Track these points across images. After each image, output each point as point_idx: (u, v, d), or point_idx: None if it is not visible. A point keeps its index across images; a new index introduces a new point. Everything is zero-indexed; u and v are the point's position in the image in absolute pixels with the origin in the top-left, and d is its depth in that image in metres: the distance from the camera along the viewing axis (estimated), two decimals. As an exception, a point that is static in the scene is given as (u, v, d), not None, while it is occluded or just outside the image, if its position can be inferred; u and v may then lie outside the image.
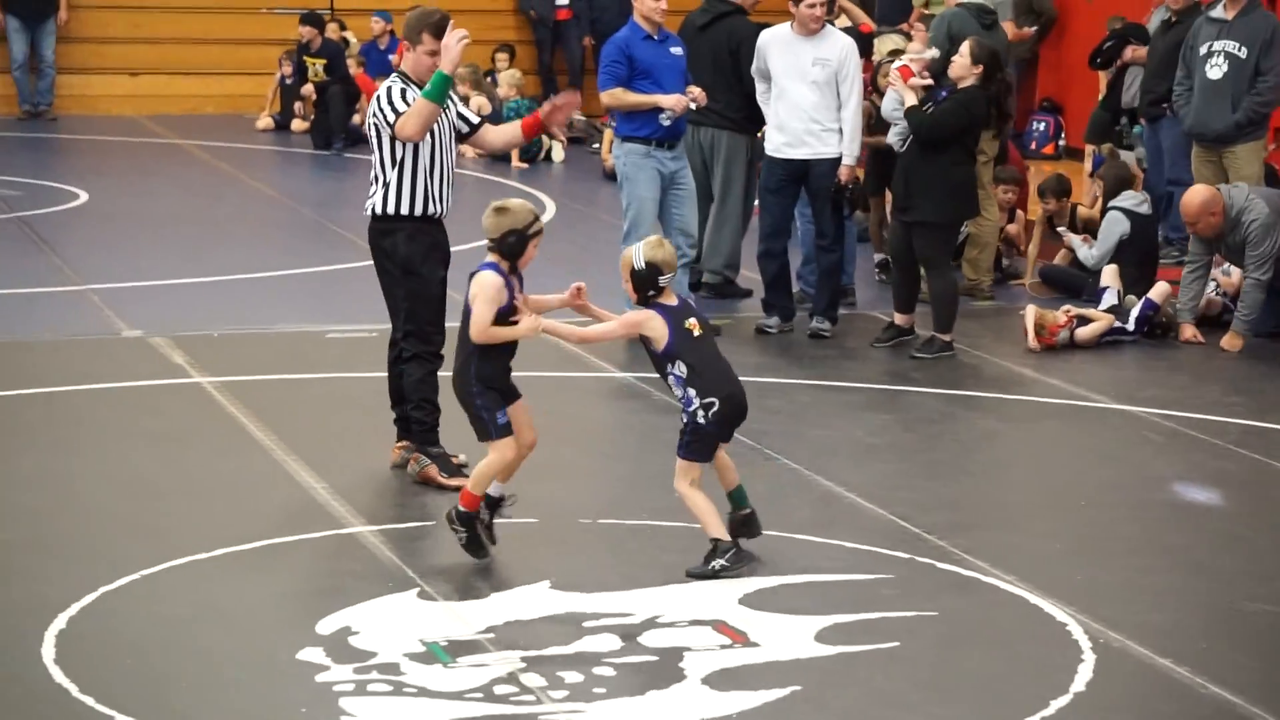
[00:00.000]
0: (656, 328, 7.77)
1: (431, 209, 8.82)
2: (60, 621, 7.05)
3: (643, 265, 7.72)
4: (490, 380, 7.73)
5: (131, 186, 17.66)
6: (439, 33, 8.67)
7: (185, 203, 16.82)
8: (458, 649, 6.94)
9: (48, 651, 6.79)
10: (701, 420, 7.78)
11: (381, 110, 8.73)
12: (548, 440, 8.09)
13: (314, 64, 20.83)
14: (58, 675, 6.60)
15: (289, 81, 21.44)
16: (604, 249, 14.43)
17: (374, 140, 8.84)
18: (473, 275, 7.75)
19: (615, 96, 11.80)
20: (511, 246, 7.72)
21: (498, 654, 6.89)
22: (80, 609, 7.19)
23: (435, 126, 8.71)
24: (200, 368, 10.84)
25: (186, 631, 7.07)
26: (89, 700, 6.41)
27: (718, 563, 7.71)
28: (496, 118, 19.99)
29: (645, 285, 7.76)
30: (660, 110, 11.70)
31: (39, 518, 8.36)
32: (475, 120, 9.11)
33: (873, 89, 13.27)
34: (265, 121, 21.58)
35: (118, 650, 6.86)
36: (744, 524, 7.98)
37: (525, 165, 19.38)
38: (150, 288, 13.11)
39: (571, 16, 22.56)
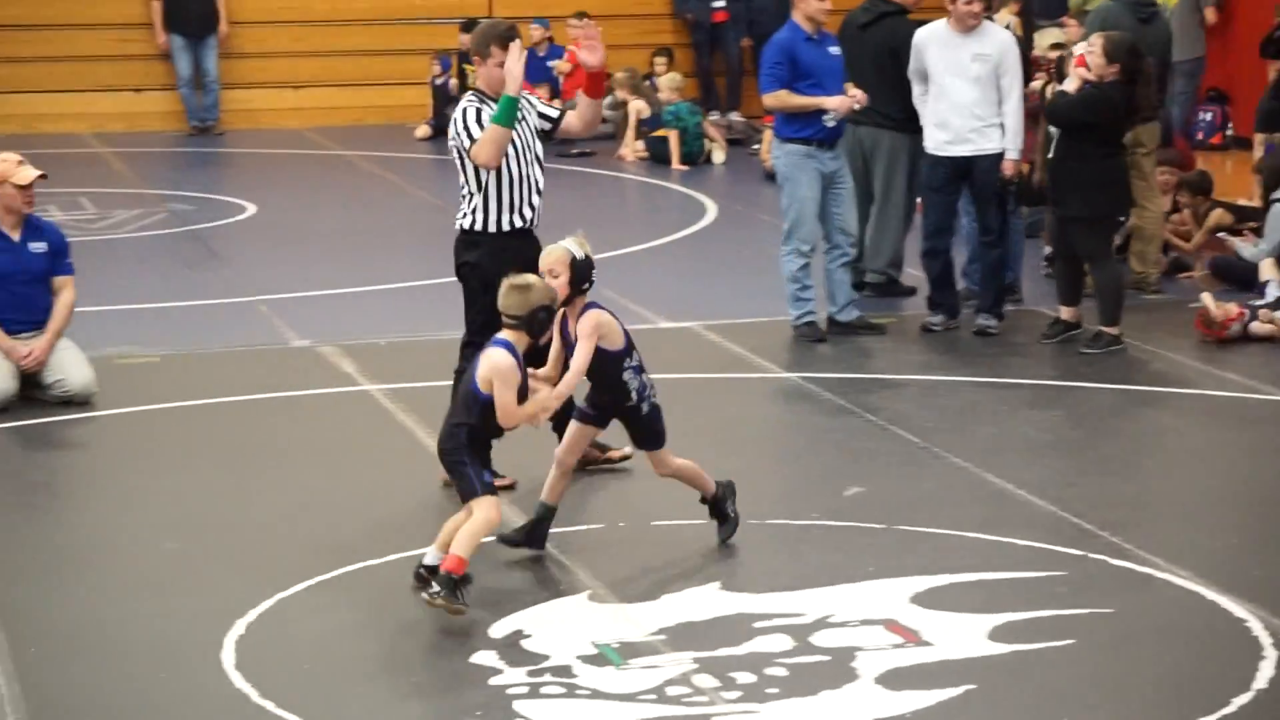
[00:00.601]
0: (612, 324, 7.78)
1: (516, 222, 8.79)
2: (239, 628, 7.16)
3: (584, 255, 7.64)
4: (479, 448, 7.48)
5: (298, 198, 17.89)
6: (507, 45, 8.62)
7: (350, 213, 17.01)
8: (630, 651, 6.96)
9: (227, 657, 6.89)
10: (658, 401, 7.95)
11: (459, 134, 8.75)
12: (715, 442, 8.11)
13: (473, 71, 20.96)
14: (237, 681, 6.70)
15: (439, 82, 21.61)
16: (766, 249, 14.41)
17: (457, 160, 8.87)
18: (482, 352, 7.54)
19: (780, 99, 11.78)
20: (542, 323, 7.51)
21: (670, 655, 6.90)
22: (258, 615, 7.29)
23: (515, 138, 8.70)
24: (369, 375, 10.95)
25: (361, 637, 7.15)
26: (268, 705, 6.50)
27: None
28: (656, 122, 20.04)
29: (584, 277, 7.68)
30: (824, 111, 11.68)
31: (215, 527, 8.49)
32: (555, 114, 9.03)
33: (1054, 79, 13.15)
34: (424, 130, 21.76)
35: (294, 655, 6.95)
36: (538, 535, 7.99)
37: (686, 168, 19.39)
38: (318, 297, 13.27)
39: (729, 18, 22.54)
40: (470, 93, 8.87)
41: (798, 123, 11.79)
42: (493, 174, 8.73)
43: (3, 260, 10.51)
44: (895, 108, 12.60)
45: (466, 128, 8.73)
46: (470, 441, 7.43)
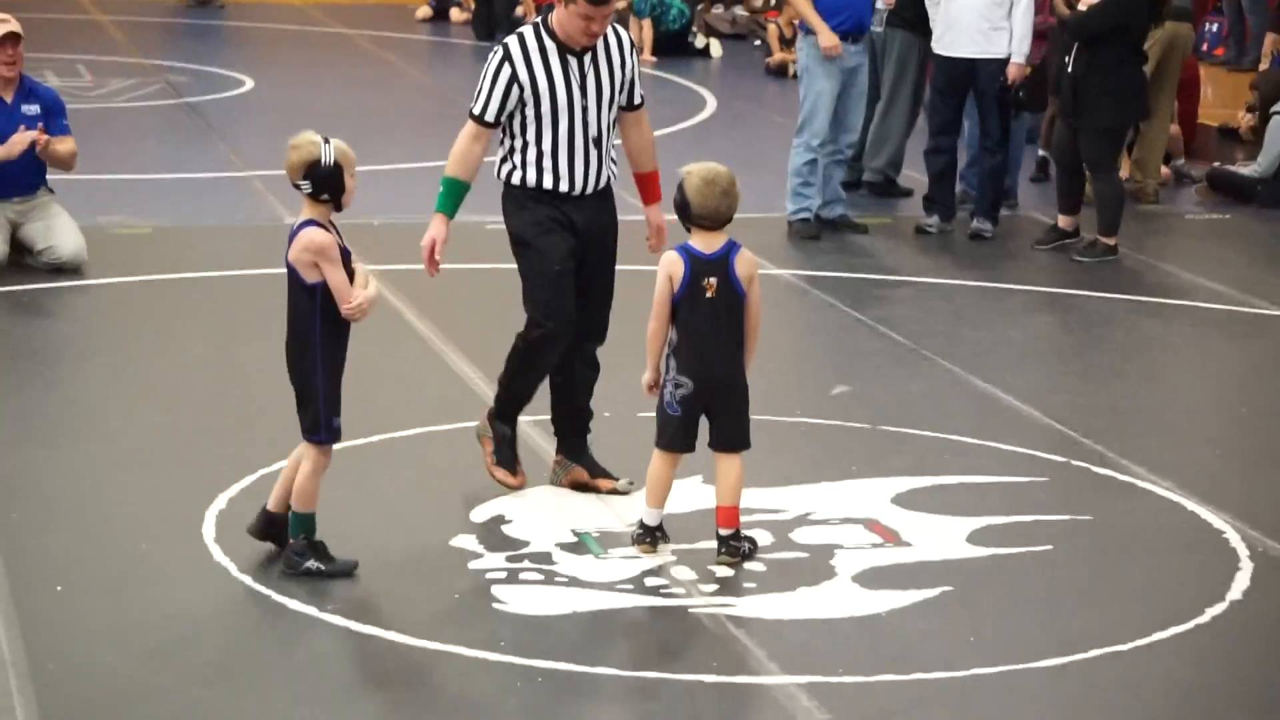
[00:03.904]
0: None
1: (549, 183, 7.30)
2: (220, 502, 7.18)
3: (331, 162, 6.57)
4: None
5: (296, 75, 17.80)
6: None
7: (349, 92, 16.92)
8: (609, 540, 6.98)
9: (208, 531, 6.91)
10: None
11: (482, 77, 7.28)
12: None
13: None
14: (217, 554, 6.72)
15: None
16: (762, 145, 14.37)
17: None
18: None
19: (796, 1, 11.77)
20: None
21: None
22: (240, 490, 7.31)
23: (573, 88, 7.22)
24: (360, 255, 10.88)
25: (342, 516, 7.14)
26: (246, 579, 6.53)
27: None
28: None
29: (321, 186, 6.60)
30: (849, 3, 11.65)
31: (202, 401, 8.50)
32: (637, 99, 7.51)
33: None
34: (424, 11, 21.63)
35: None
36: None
37: (654, 59, 19.04)
38: (313, 176, 13.18)
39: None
40: (533, 24, 7.32)
41: (822, 13, 11.69)
42: (530, 125, 7.24)
43: (-5, 122, 10.46)
44: (908, 7, 12.51)
45: (482, 77, 7.25)
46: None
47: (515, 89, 7.22)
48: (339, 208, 6.67)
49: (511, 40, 7.25)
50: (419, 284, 10.06)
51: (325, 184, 6.58)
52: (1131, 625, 6.40)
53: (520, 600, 6.47)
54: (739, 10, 21.71)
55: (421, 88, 17.68)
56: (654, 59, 19.10)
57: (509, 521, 7.13)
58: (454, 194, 7.35)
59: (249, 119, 15.56)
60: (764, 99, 17.29)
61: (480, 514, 7.19)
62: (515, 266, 7.49)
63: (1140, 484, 7.76)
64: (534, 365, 7.43)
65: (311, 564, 6.61)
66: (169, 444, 7.90)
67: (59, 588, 6.44)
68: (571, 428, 7.58)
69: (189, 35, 20.44)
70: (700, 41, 19.74)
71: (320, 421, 6.65)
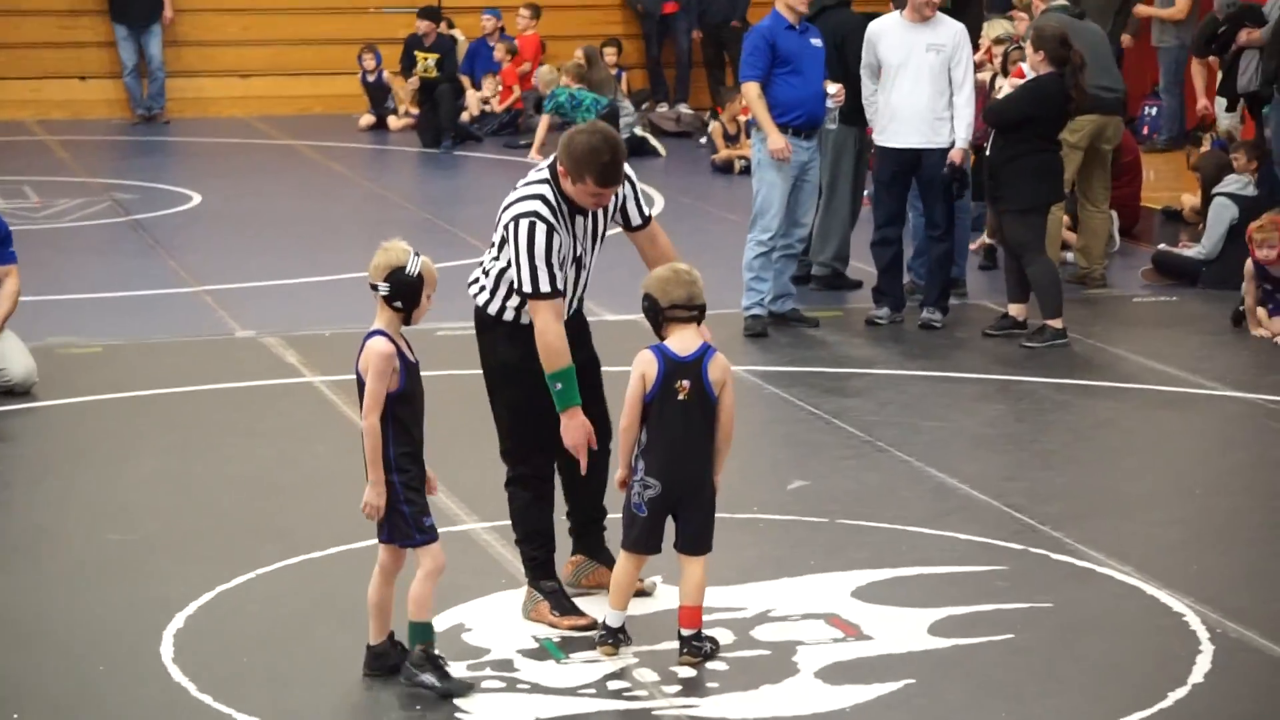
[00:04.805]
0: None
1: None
2: (178, 620, 7.13)
3: (415, 273, 6.61)
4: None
5: (243, 188, 17.82)
6: (604, 181, 7.09)
7: (296, 203, 16.95)
8: (571, 645, 6.95)
9: (166, 650, 6.87)
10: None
11: (516, 255, 7.07)
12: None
13: (425, 59, 20.84)
14: (176, 674, 6.67)
15: (371, 79, 21.58)
16: (713, 241, 14.45)
17: (496, 238, 7.25)
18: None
19: (750, 100, 11.88)
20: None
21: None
22: (198, 608, 7.26)
23: (578, 241, 7.22)
24: (312, 367, 10.92)
25: (302, 630, 7.12)
26: (206, 699, 6.48)
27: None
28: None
29: (398, 293, 6.63)
30: (807, 98, 11.74)
31: (157, 517, 8.46)
32: (638, 220, 7.44)
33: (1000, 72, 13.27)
34: (367, 119, 21.72)
35: (234, 649, 6.92)
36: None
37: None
38: (262, 288, 13.22)
39: (679, 9, 22.53)
40: (543, 181, 7.17)
41: (776, 109, 11.79)
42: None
43: (-58, 248, 10.44)
44: (843, 101, 12.62)
45: (531, 254, 7.05)
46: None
47: (565, 250, 7.15)
48: (409, 320, 6.67)
49: (538, 208, 7.08)
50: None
51: (402, 291, 6.61)
52: (1095, 711, 6.40)
53: (483, 709, 6.43)
54: (683, 109, 21.85)
55: (369, 195, 17.72)
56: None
57: (469, 629, 7.10)
58: (574, 382, 7.09)
59: (197, 234, 15.55)
60: (711, 195, 17.37)
61: (440, 623, 7.14)
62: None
63: (1098, 569, 7.77)
64: (534, 503, 7.32)
65: (428, 679, 6.51)
66: (125, 563, 7.86)
67: (15, 715, 6.38)
68: (591, 527, 7.54)
69: (135, 152, 20.46)
70: (640, 131, 19.80)
71: (410, 526, 6.60)
